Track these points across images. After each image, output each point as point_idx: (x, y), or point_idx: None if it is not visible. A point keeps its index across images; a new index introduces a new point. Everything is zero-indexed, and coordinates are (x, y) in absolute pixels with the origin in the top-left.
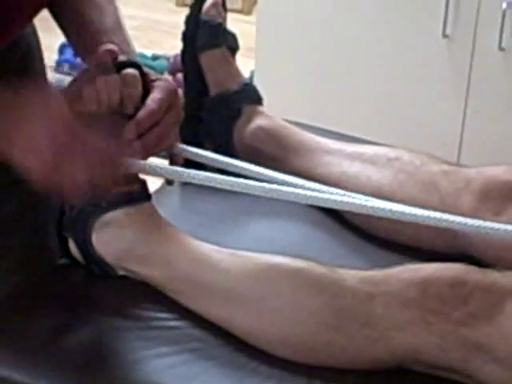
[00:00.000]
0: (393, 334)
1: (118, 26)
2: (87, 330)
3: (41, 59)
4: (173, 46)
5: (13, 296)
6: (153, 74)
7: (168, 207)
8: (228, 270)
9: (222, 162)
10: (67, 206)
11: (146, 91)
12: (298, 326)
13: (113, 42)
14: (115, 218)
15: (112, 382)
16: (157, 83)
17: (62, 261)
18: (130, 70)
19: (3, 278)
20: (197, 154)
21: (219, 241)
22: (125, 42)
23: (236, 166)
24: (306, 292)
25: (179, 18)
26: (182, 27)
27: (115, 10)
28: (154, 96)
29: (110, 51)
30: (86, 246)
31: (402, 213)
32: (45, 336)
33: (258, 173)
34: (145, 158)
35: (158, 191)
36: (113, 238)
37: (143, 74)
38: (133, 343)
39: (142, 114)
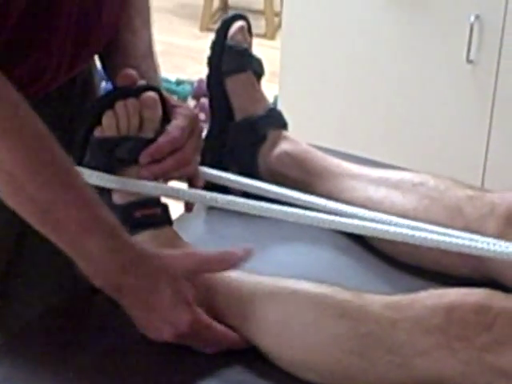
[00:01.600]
0: (416, 359)
1: (149, 53)
2: (112, 355)
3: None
4: (196, 71)
5: (44, 316)
6: (173, 100)
7: (193, 231)
8: (251, 293)
9: (244, 184)
10: None
11: (166, 116)
12: (320, 350)
13: (139, 68)
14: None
15: None
16: (178, 110)
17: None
18: (150, 93)
19: (36, 298)
20: (220, 177)
21: (242, 265)
22: (151, 70)
23: (259, 188)
24: (329, 317)
25: (203, 42)
26: (205, 52)
27: (149, 35)
28: (177, 123)
29: (127, 76)
30: None
31: (431, 240)
32: (68, 359)
33: (281, 194)
34: (165, 181)
35: (182, 215)
36: None
37: (163, 98)
38: (158, 368)
39: (162, 139)
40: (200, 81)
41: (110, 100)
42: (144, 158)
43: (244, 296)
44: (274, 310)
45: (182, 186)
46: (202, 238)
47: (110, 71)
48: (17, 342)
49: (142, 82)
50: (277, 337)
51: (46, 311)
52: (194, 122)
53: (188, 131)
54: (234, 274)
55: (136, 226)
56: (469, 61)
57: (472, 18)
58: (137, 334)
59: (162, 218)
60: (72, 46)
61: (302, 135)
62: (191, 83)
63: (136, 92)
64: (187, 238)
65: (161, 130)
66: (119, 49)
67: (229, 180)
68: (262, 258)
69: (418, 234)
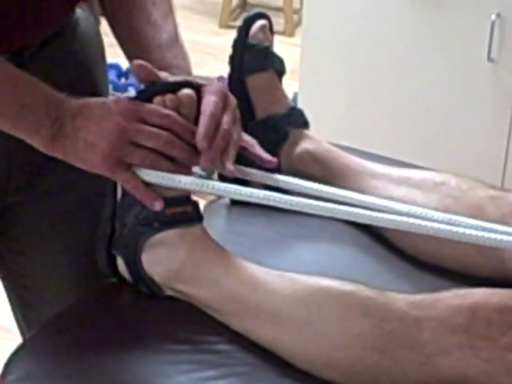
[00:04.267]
0: (439, 358)
1: (174, 43)
2: (133, 351)
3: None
4: (216, 68)
5: (63, 315)
6: (202, 81)
7: (214, 229)
8: (276, 291)
9: (271, 179)
10: (118, 225)
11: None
12: (343, 349)
13: (164, 59)
14: (166, 238)
15: None
16: (207, 88)
17: (112, 280)
18: (187, 91)
19: (56, 296)
20: (246, 172)
21: (265, 263)
22: (179, 58)
23: (286, 182)
24: (352, 315)
25: (222, 39)
26: (225, 49)
27: (173, 26)
28: (208, 99)
29: (141, 66)
30: (135, 264)
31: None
32: (92, 355)
33: (306, 187)
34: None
35: (203, 213)
36: (163, 258)
37: (198, 90)
38: (178, 366)
39: (202, 118)
40: (219, 78)
41: (148, 95)
42: (201, 142)
43: (267, 294)
44: (298, 309)
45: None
46: (223, 237)
47: None
48: (38, 338)
49: (178, 77)
50: (300, 335)
51: (67, 308)
52: (224, 95)
53: (221, 104)
54: (257, 272)
55: (166, 223)
56: (490, 59)
57: (493, 17)
58: (157, 330)
59: (193, 215)
60: None
61: (321, 132)
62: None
63: (174, 88)
64: None
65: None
66: (141, 43)
67: (255, 175)
68: (284, 257)
69: (446, 227)
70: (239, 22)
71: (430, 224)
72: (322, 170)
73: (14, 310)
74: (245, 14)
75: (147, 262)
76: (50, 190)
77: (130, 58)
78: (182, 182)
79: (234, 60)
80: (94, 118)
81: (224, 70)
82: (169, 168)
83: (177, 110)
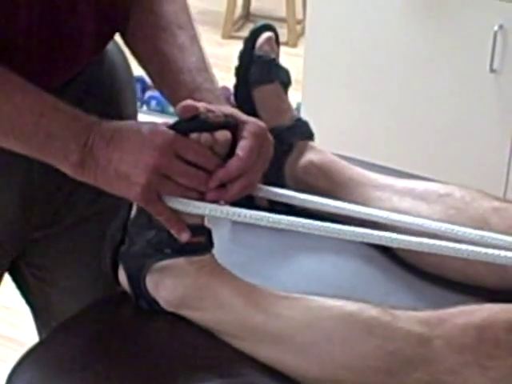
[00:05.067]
0: (445, 377)
1: (202, 66)
2: (137, 361)
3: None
4: (219, 78)
5: (67, 325)
6: (243, 115)
7: (218, 240)
8: (279, 314)
9: (275, 194)
10: (127, 239)
11: (235, 134)
12: (348, 369)
13: (195, 81)
14: (175, 264)
15: None
16: (248, 127)
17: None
18: (224, 133)
19: (68, 301)
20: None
21: (268, 275)
22: (208, 81)
23: (291, 197)
24: (356, 336)
25: (225, 50)
26: (228, 59)
27: (199, 49)
28: (245, 145)
29: (189, 106)
30: (138, 282)
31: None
32: (95, 365)
33: (312, 202)
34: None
35: (208, 223)
36: (169, 284)
37: (235, 124)
38: (186, 376)
39: (231, 163)
40: (222, 88)
41: (185, 130)
42: (213, 182)
43: (271, 317)
44: (301, 331)
45: None
46: (227, 248)
47: (165, 90)
48: (42, 348)
49: (218, 116)
50: (304, 357)
51: (70, 319)
52: (263, 139)
53: (256, 152)
54: (261, 294)
55: (178, 251)
56: (492, 70)
57: (495, 28)
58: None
59: (206, 246)
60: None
61: (323, 143)
62: None
63: (211, 128)
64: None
65: (229, 152)
66: (167, 65)
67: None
68: (288, 268)
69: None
70: (242, 33)
71: (438, 243)
72: (326, 181)
73: (40, 334)
74: (249, 25)
75: (152, 284)
76: (76, 222)
77: (152, 77)
78: (208, 209)
79: (240, 71)
80: (130, 149)
81: (227, 80)
82: (197, 198)
83: (211, 148)
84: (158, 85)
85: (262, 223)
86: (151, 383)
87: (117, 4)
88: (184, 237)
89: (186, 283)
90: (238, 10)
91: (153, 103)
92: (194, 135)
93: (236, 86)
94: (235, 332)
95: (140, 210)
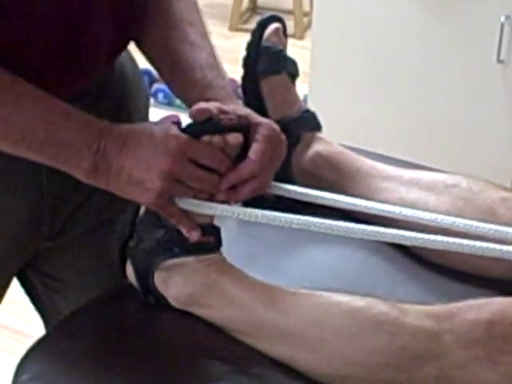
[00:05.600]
0: (454, 372)
1: (213, 62)
2: (144, 353)
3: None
4: (226, 71)
5: (75, 317)
6: (256, 116)
7: (226, 232)
8: (287, 310)
9: (283, 189)
10: (135, 235)
11: (248, 136)
12: (357, 365)
13: (206, 78)
14: (184, 263)
15: None
16: (261, 130)
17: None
18: (236, 136)
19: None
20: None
21: (276, 266)
22: (219, 77)
23: (299, 193)
24: (365, 332)
25: (232, 42)
26: (235, 52)
27: (210, 46)
28: (258, 148)
29: (202, 110)
30: (146, 279)
31: (460, 244)
32: (102, 357)
33: (321, 197)
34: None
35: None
36: (177, 282)
37: (247, 125)
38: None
39: (243, 167)
40: (230, 80)
41: (196, 132)
42: (224, 184)
43: (279, 313)
44: (310, 328)
45: None
46: (235, 239)
47: (177, 87)
48: (50, 340)
49: (231, 116)
50: (313, 353)
51: (78, 311)
52: (276, 142)
53: (269, 155)
54: (269, 291)
55: (187, 250)
56: (499, 61)
57: (502, 19)
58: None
59: (214, 245)
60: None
61: (331, 134)
62: None
63: (223, 130)
64: None
65: (241, 153)
66: (179, 62)
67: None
68: (295, 259)
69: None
70: (249, 25)
71: (445, 239)
72: (334, 172)
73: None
74: (256, 17)
75: (160, 281)
76: (85, 232)
77: (164, 76)
78: (219, 209)
79: (247, 62)
80: (143, 155)
81: (234, 72)
82: (207, 199)
83: (222, 149)
84: (170, 82)
85: (275, 223)
86: (156, 374)
87: (133, 11)
88: (194, 236)
89: (194, 281)
90: (245, 3)
91: (160, 96)
92: (205, 137)
93: (244, 77)
94: (245, 329)
95: (149, 209)
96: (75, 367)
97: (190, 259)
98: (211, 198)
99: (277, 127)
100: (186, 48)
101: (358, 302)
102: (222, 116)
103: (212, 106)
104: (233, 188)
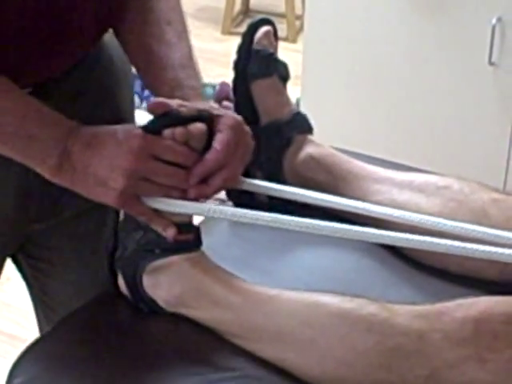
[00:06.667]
0: (445, 372)
1: (187, 62)
2: (136, 357)
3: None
4: (219, 74)
5: (67, 321)
6: (218, 109)
7: (217, 234)
8: (277, 312)
9: (275, 190)
10: (120, 245)
11: (211, 128)
12: (349, 366)
13: (177, 78)
14: (168, 263)
15: None
16: (223, 120)
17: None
18: (198, 126)
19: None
20: (250, 184)
21: (268, 268)
22: (192, 78)
23: (290, 193)
24: (355, 333)
25: (225, 46)
26: (227, 55)
27: (187, 46)
28: (222, 138)
29: (160, 104)
30: (135, 286)
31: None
32: (94, 361)
33: (311, 198)
34: (208, 198)
35: (207, 219)
36: (164, 283)
37: (210, 118)
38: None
39: (208, 157)
40: (222, 84)
41: (158, 127)
42: (193, 178)
43: (269, 315)
44: (300, 329)
45: None
46: (227, 241)
47: (149, 85)
48: (42, 343)
49: (191, 108)
50: (304, 354)
51: (70, 315)
52: (239, 131)
53: (234, 144)
54: (257, 292)
55: (168, 250)
56: (491, 63)
57: (494, 21)
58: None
59: (194, 242)
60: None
61: (323, 137)
62: (213, 86)
63: (184, 121)
64: (211, 242)
65: (205, 145)
66: (155, 62)
67: (259, 186)
68: (287, 261)
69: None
70: (242, 29)
71: (437, 241)
72: (326, 174)
73: (41, 330)
74: (248, 21)
75: (149, 285)
76: (76, 215)
77: (139, 71)
78: (190, 207)
79: (238, 65)
80: (106, 154)
81: (227, 76)
82: (179, 197)
83: (186, 142)
84: (142, 77)
85: (245, 220)
86: (148, 376)
87: (115, 6)
88: (170, 233)
89: (181, 282)
90: (238, 6)
91: (152, 100)
92: (167, 130)
93: (234, 80)
94: (235, 331)
95: (127, 213)
96: (68, 371)
97: (173, 259)
98: (185, 197)
99: (239, 118)
100: (160, 47)
101: (348, 303)
102: (182, 109)
103: (171, 101)
104: (203, 182)
